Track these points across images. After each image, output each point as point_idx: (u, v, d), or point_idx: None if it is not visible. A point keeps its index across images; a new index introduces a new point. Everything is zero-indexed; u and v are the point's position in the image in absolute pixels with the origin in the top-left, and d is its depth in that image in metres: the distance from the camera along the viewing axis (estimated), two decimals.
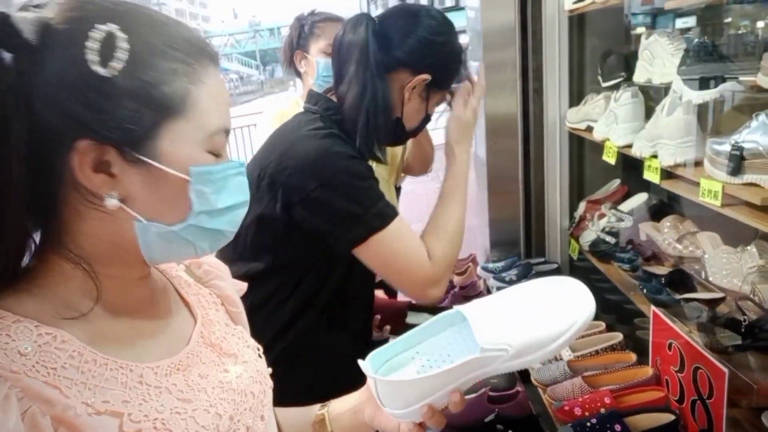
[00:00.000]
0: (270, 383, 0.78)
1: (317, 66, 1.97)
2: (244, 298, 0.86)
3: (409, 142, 1.94)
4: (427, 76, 1.28)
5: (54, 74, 0.56)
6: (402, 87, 1.29)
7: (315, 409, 0.89)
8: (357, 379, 0.85)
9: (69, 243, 0.61)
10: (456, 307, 0.81)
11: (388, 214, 1.23)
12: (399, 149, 1.98)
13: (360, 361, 0.80)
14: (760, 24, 1.96)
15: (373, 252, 1.23)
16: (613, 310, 2.02)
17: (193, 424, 0.62)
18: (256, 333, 0.85)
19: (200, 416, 0.63)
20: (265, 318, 1.27)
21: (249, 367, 0.74)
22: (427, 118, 1.39)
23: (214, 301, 0.79)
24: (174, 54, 0.60)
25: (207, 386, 0.66)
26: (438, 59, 1.30)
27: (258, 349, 0.80)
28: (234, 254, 1.26)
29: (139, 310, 0.67)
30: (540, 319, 0.79)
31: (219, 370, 0.70)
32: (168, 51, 0.60)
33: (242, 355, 0.74)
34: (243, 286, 0.87)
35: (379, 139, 1.29)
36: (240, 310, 0.82)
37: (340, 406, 0.88)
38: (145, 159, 0.59)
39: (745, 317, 1.31)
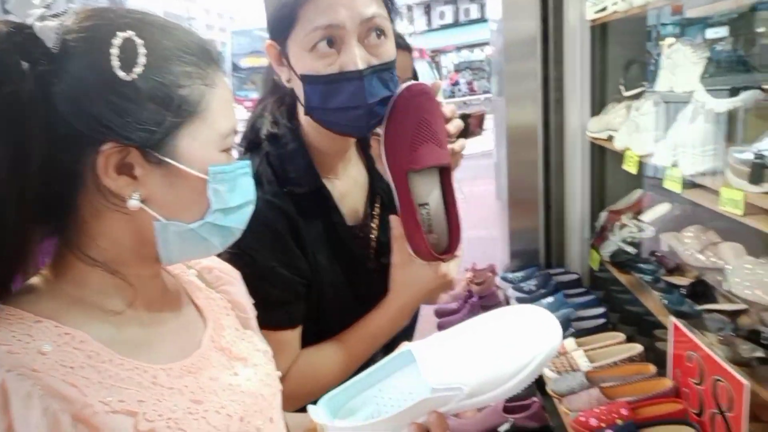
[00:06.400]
0: (279, 386, 0.79)
1: None
2: None
3: None
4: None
5: (77, 80, 0.57)
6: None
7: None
8: None
9: (87, 244, 0.63)
10: (405, 345, 0.79)
11: None
12: None
13: (310, 407, 0.75)
14: None
15: None
16: (633, 321, 1.99)
17: (205, 425, 0.63)
18: None
19: (212, 417, 0.64)
20: None
21: (259, 370, 0.75)
22: None
23: (224, 306, 0.79)
24: (188, 58, 0.63)
25: (217, 388, 0.67)
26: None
27: (267, 353, 0.80)
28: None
29: (151, 311, 0.68)
30: (497, 355, 0.76)
31: (229, 374, 0.71)
32: (183, 56, 0.62)
33: (252, 359, 0.75)
34: None
35: None
36: (249, 315, 0.82)
37: None
38: (167, 159, 0.61)
39: None
